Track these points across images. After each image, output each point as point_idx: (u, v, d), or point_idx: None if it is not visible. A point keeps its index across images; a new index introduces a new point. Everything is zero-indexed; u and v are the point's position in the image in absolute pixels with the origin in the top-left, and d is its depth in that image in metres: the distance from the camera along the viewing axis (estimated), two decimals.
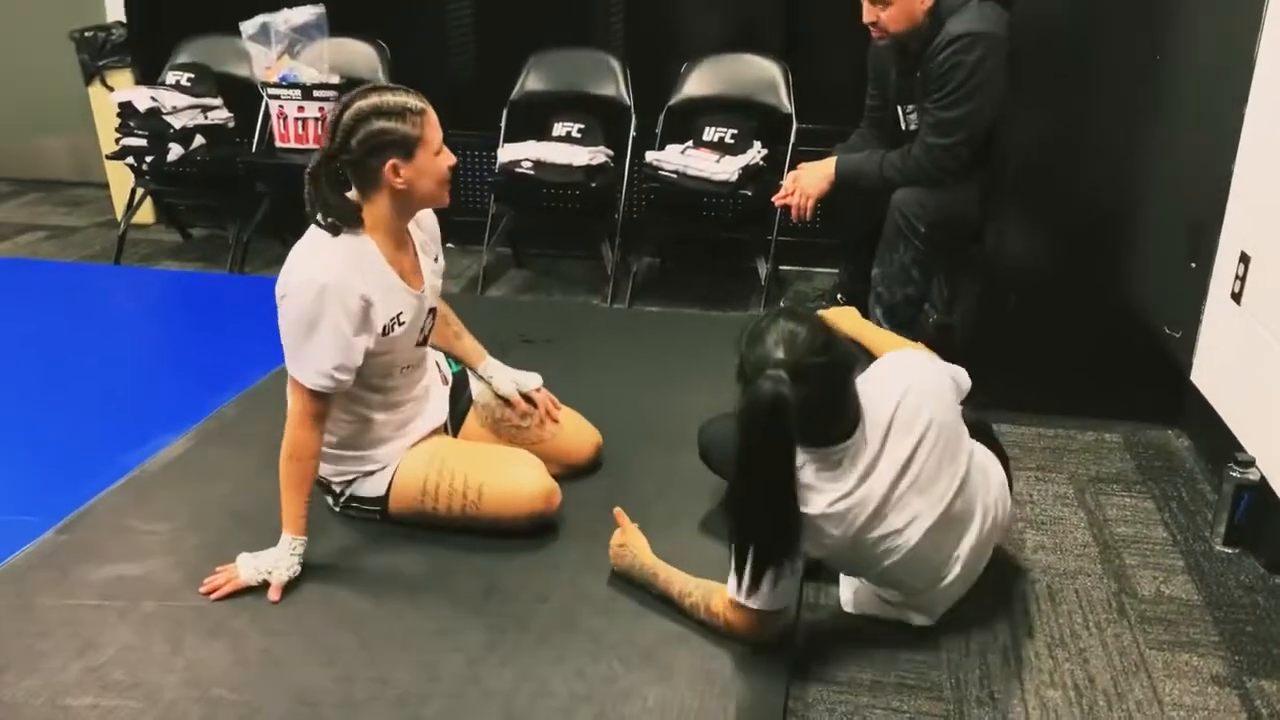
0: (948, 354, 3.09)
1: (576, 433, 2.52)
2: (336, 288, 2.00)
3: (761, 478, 1.74)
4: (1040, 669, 1.96)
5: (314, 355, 2.02)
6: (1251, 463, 2.32)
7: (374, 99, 2.00)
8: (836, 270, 3.49)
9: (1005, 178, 2.80)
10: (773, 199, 3.10)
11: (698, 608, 1.97)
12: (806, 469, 1.82)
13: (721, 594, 1.92)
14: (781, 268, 4.00)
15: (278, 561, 2.05)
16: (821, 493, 1.81)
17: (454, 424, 2.43)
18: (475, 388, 2.47)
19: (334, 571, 2.14)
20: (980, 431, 2.14)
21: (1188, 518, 2.45)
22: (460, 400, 2.45)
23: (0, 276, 3.89)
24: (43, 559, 2.18)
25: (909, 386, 1.91)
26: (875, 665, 1.95)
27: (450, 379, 2.46)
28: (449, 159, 2.10)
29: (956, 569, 1.97)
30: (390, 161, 2.01)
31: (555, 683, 1.84)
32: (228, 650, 1.91)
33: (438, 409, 2.38)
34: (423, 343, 2.27)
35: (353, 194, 2.07)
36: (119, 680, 1.83)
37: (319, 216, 2.05)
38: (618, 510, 2.14)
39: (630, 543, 2.10)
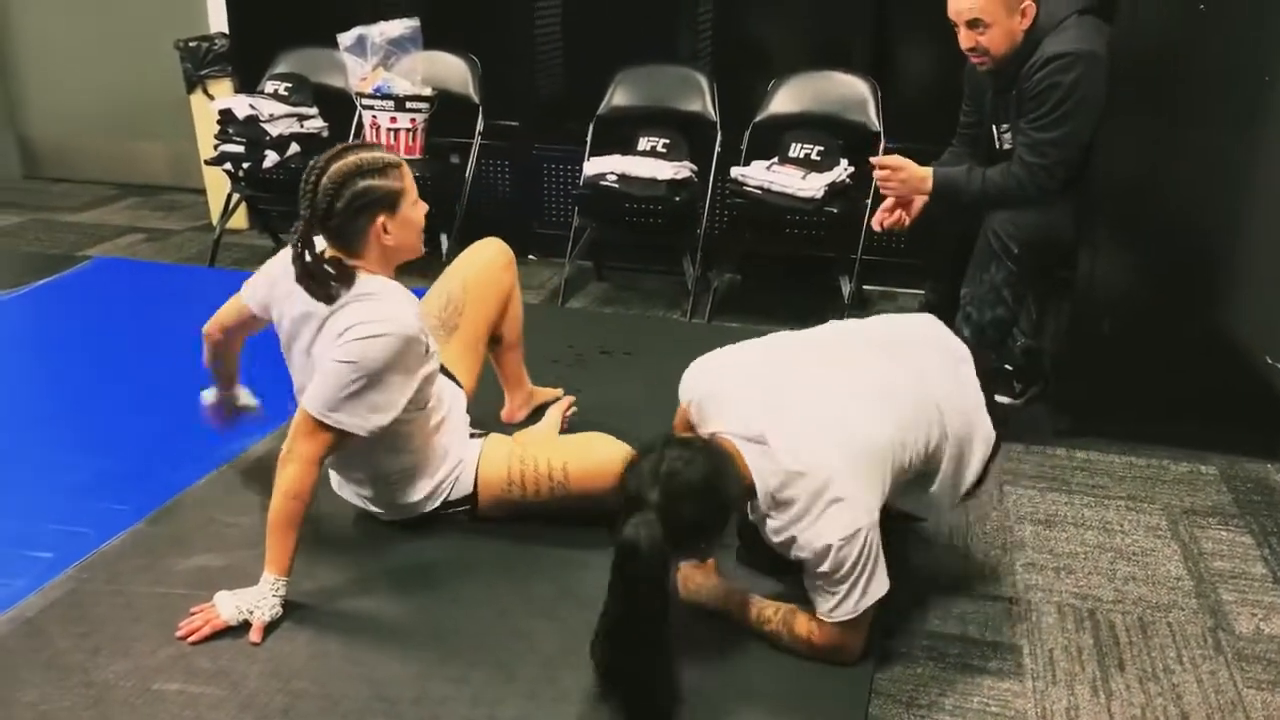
0: (1034, 379, 3.06)
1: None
2: (414, 338, 2.01)
3: (634, 614, 1.67)
4: (1131, 703, 1.89)
5: (375, 403, 1.98)
6: None
7: (352, 159, 1.96)
8: (921, 291, 3.44)
9: (1100, 199, 2.73)
10: (874, 222, 3.02)
11: (779, 634, 1.92)
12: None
13: (804, 616, 1.89)
14: (865, 287, 3.96)
15: (259, 601, 1.95)
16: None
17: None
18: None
19: (414, 572, 2.16)
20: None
21: None
22: None
23: (101, 275, 4.03)
24: (134, 547, 2.24)
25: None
26: (957, 690, 1.91)
27: None
28: (424, 206, 2.09)
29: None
30: (379, 219, 1.99)
31: None
32: (309, 644, 1.93)
33: (445, 380, 2.33)
34: None
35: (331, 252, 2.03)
36: (204, 668, 1.86)
37: (311, 290, 1.99)
38: None
39: (694, 573, 2.04)
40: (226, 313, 2.28)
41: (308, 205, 1.97)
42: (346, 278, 2.01)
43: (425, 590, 2.11)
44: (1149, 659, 2.01)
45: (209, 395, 2.46)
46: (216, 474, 2.54)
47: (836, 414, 1.84)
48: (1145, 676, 1.96)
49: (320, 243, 2.03)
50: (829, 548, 1.76)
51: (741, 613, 1.97)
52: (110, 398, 2.95)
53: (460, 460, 2.25)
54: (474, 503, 2.27)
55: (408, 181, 2.04)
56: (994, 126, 2.91)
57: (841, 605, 1.82)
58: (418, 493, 2.23)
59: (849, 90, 3.77)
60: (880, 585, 1.82)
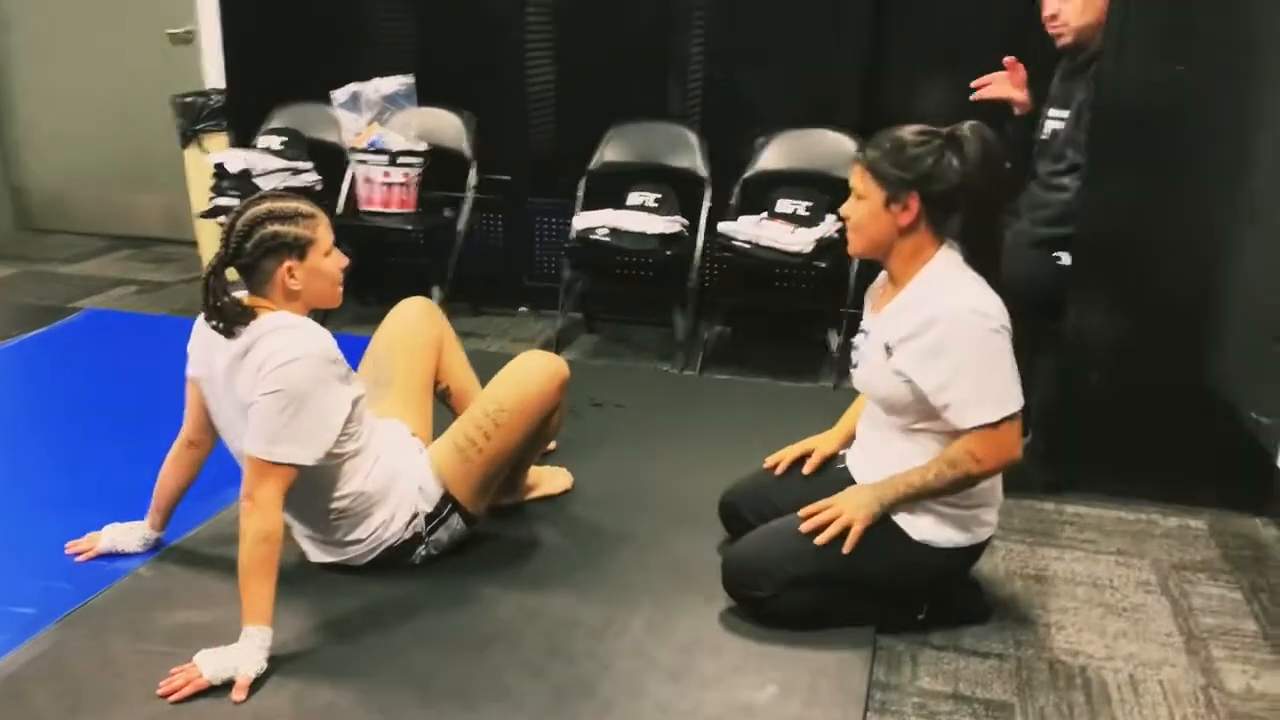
0: (1022, 430, 3.06)
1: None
2: (331, 358, 2.07)
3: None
4: None
5: (313, 427, 2.03)
6: None
7: (267, 205, 2.07)
8: None
9: (1086, 252, 2.76)
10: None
11: (943, 475, 2.03)
12: None
13: (956, 443, 2.02)
14: (854, 340, 3.97)
15: (245, 657, 1.93)
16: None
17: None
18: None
19: (398, 626, 2.15)
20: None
21: (1279, 609, 2.35)
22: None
23: (91, 327, 4.03)
24: (118, 602, 2.22)
25: None
26: None
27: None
28: (340, 260, 2.15)
29: None
30: (286, 263, 2.06)
31: None
32: (293, 701, 1.91)
33: (380, 420, 2.37)
34: None
35: (244, 295, 2.11)
36: None
37: (213, 322, 2.07)
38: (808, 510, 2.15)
39: (837, 503, 2.11)
40: (190, 404, 2.29)
41: (223, 244, 2.07)
42: (246, 315, 2.07)
43: (409, 646, 2.09)
44: (1140, 717, 1.99)
45: (116, 532, 2.39)
46: (203, 527, 2.52)
47: None
48: None
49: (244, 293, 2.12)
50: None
51: (905, 489, 2.07)
52: (97, 450, 2.94)
53: (415, 471, 2.29)
54: (454, 502, 2.29)
55: (320, 233, 2.10)
56: (1045, 110, 2.95)
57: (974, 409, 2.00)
58: (380, 519, 2.24)
59: (836, 147, 3.81)
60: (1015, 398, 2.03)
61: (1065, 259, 2.83)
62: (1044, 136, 2.94)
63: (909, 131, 2.06)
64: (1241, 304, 2.70)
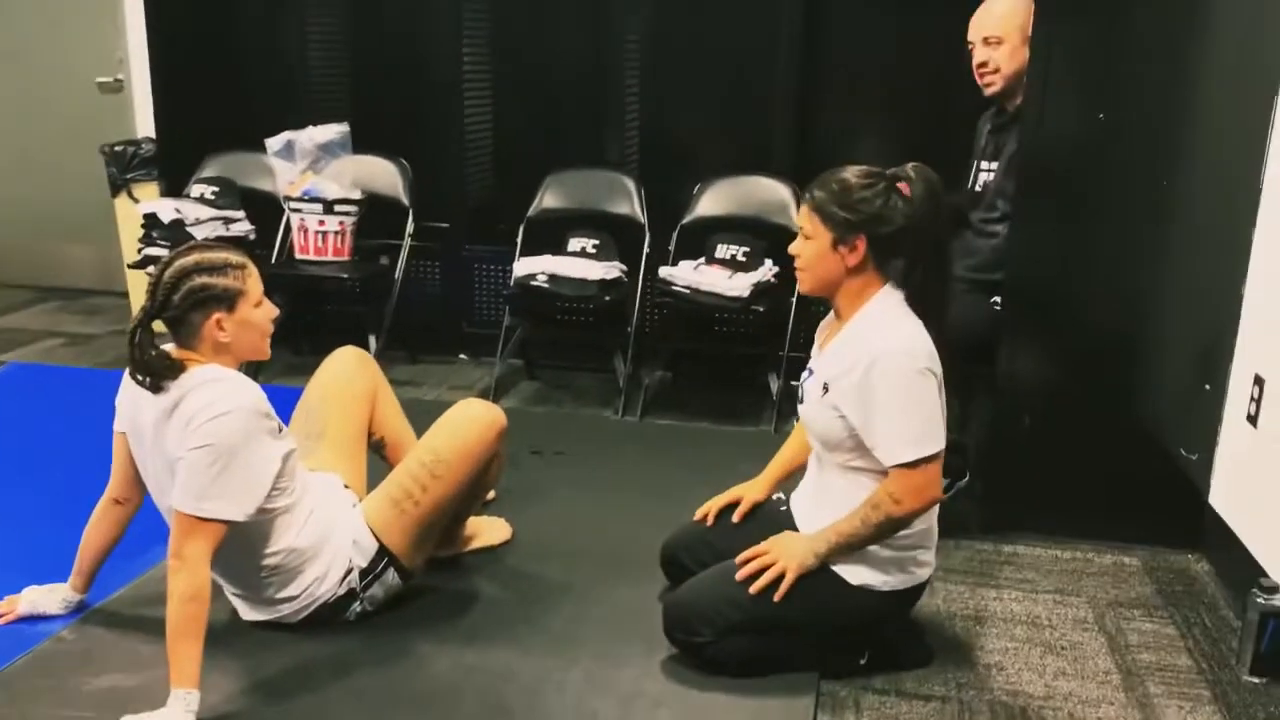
0: (959, 473, 3.10)
1: None
2: (261, 412, 2.02)
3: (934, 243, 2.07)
4: None
5: (243, 482, 1.99)
6: (1276, 589, 2.26)
7: (195, 256, 2.03)
8: None
9: (1016, 298, 2.81)
10: None
11: (868, 519, 2.03)
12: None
13: (877, 491, 2.03)
14: (793, 383, 3.98)
15: None
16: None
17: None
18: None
19: (331, 685, 2.09)
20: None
21: (1211, 645, 2.39)
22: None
23: (13, 381, 3.92)
24: (39, 667, 2.13)
25: None
26: None
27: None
28: (271, 311, 2.12)
29: None
30: (214, 316, 2.03)
31: None
32: None
33: (313, 475, 2.32)
34: None
35: (172, 349, 2.07)
36: None
37: (139, 377, 2.02)
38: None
39: (773, 550, 2.11)
40: (117, 459, 2.23)
41: (149, 296, 2.02)
42: (173, 369, 2.02)
43: (344, 704, 2.04)
44: None
45: (36, 594, 2.30)
46: (131, 587, 2.44)
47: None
48: None
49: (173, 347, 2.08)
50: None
51: (836, 538, 2.06)
52: (18, 508, 2.84)
53: (349, 526, 2.24)
54: (390, 557, 2.24)
55: (250, 284, 2.07)
56: (977, 163, 3.03)
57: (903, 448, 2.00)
58: (313, 575, 2.19)
59: (771, 194, 3.87)
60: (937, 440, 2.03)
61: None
62: (977, 189, 3.01)
63: (853, 173, 2.07)
64: (1168, 344, 2.76)
